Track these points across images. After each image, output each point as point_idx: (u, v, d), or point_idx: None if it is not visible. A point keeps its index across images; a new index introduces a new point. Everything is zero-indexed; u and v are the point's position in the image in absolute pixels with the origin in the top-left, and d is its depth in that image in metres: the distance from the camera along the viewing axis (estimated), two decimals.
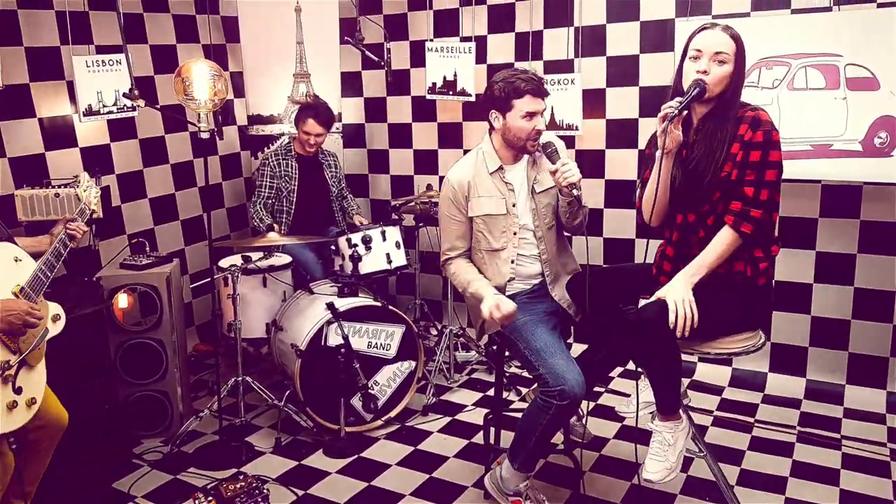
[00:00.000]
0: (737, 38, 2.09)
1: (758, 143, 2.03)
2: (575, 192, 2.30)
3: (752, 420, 3.36)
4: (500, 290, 2.53)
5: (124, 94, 3.20)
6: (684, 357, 3.80)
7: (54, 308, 2.26)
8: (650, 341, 2.13)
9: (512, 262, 2.56)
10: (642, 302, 2.19)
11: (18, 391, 2.03)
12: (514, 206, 2.54)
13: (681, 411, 2.27)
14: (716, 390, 3.70)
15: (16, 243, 2.23)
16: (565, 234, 2.71)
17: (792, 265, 3.65)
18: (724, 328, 2.18)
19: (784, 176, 3.42)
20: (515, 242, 2.55)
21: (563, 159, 2.34)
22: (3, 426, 1.96)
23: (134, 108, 3.62)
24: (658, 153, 2.12)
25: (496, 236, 2.54)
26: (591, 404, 3.50)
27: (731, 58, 2.08)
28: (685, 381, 3.78)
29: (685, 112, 2.07)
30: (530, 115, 2.42)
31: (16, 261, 2.16)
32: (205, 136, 2.83)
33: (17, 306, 2.04)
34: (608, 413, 3.38)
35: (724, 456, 3.00)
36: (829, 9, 3.30)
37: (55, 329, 2.25)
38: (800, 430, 3.25)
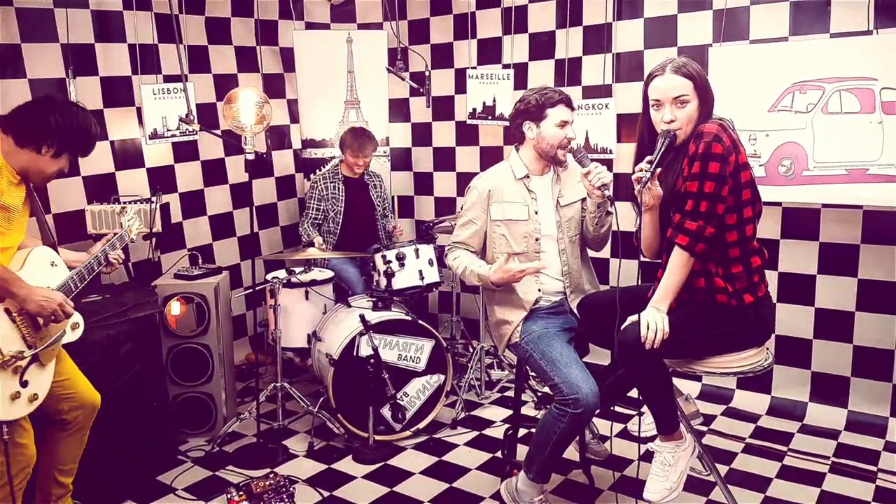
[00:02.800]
0: (690, 75, 2.08)
1: (699, 154, 2.03)
2: (606, 192, 2.39)
3: (784, 448, 3.29)
4: (530, 301, 2.63)
5: (181, 119, 3.49)
6: (720, 382, 3.82)
7: (76, 317, 2.34)
8: (634, 359, 2.17)
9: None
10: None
11: (24, 384, 2.11)
12: (535, 213, 2.66)
13: (683, 430, 2.29)
14: (752, 418, 3.63)
15: (57, 251, 2.36)
16: (589, 251, 2.80)
17: (833, 292, 3.56)
18: (717, 346, 2.18)
19: (820, 201, 3.42)
20: (537, 248, 2.65)
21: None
22: (2, 413, 2.04)
23: (194, 133, 3.94)
24: (642, 208, 2.19)
25: (517, 241, 2.66)
26: (619, 426, 3.51)
27: (692, 95, 2.08)
28: (722, 407, 3.73)
29: (659, 170, 2.09)
30: (563, 123, 2.60)
31: (52, 265, 2.28)
32: (250, 157, 3.08)
33: (54, 297, 2.14)
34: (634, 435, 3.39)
35: (749, 482, 2.97)
36: (868, 32, 3.25)
37: (72, 336, 2.35)
38: (834, 460, 3.16)
